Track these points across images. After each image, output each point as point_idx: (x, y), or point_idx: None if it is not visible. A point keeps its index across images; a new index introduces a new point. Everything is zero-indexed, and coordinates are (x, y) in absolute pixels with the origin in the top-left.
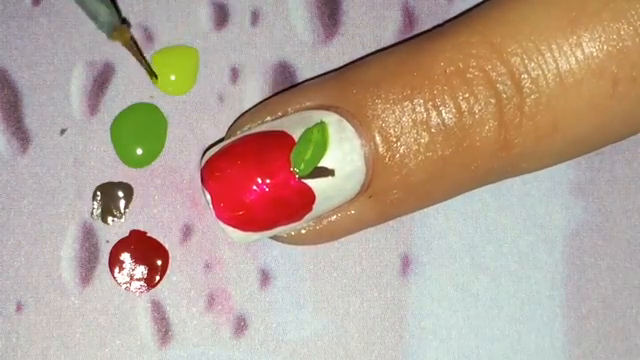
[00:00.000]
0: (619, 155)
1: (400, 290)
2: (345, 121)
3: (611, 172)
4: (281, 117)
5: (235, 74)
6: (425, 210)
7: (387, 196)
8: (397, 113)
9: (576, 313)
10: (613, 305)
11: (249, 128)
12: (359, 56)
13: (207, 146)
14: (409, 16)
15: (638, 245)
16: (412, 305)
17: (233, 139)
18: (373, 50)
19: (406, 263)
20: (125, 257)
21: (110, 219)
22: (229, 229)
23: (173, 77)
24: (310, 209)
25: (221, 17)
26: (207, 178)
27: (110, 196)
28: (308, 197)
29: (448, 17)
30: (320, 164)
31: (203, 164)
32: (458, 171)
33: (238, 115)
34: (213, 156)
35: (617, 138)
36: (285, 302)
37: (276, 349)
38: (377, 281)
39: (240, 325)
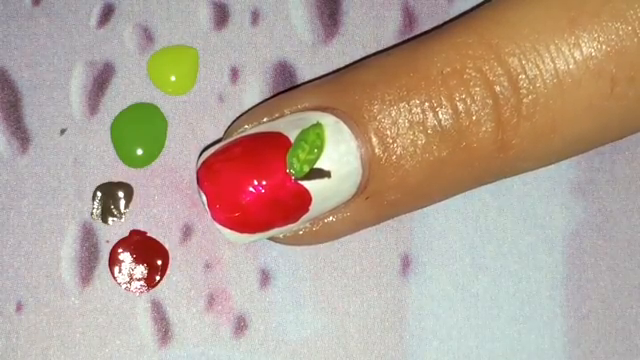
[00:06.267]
0: (619, 155)
1: (400, 290)
2: (342, 122)
3: (611, 172)
4: (278, 118)
5: (235, 74)
6: (425, 210)
7: (384, 197)
8: (394, 114)
9: (576, 313)
10: (613, 305)
11: (245, 129)
12: (359, 56)
13: (206, 146)
14: (409, 16)
15: (638, 245)
16: (412, 305)
17: (229, 140)
18: (373, 50)
19: (406, 263)
20: (125, 257)
21: (110, 219)
22: (225, 230)
23: (173, 77)
24: (306, 210)
25: (221, 17)
26: (203, 179)
27: (110, 196)
28: (304, 199)
29: (448, 17)
30: (316, 165)
31: (199, 165)
32: (455, 172)
33: (238, 115)
34: (209, 157)
35: (615, 137)
36: (285, 302)
37: (276, 349)
38: (377, 281)
39: (240, 325)
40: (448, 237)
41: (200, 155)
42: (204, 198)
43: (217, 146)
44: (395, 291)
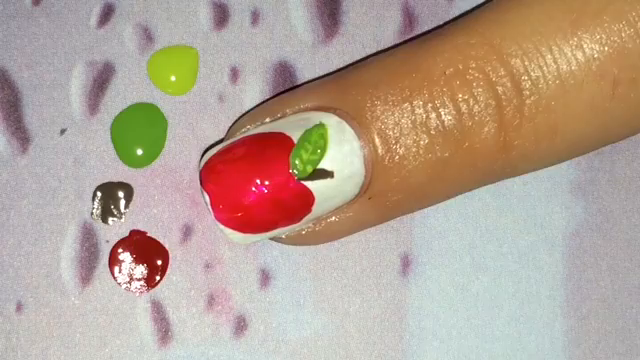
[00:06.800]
0: (619, 155)
1: (400, 290)
2: (344, 123)
3: (611, 172)
4: (280, 119)
5: (235, 74)
6: (425, 210)
7: (386, 197)
8: (396, 115)
9: (576, 313)
10: (613, 305)
11: (248, 129)
12: (359, 56)
13: (207, 146)
14: (409, 16)
15: (638, 245)
16: (412, 305)
17: (232, 140)
18: (373, 50)
19: (406, 263)
20: (125, 257)
21: (110, 219)
22: (228, 231)
23: (173, 77)
24: (309, 211)
25: (221, 17)
26: (206, 180)
27: (110, 196)
28: (307, 199)
29: (448, 17)
30: (319, 166)
31: (202, 166)
32: (457, 172)
33: (238, 115)
34: (212, 157)
35: (617, 139)
36: (285, 302)
37: (276, 349)
38: (377, 281)
39: (240, 325)
40: (448, 237)
41: (202, 156)
42: (207, 199)
43: (219, 146)
44: (395, 291)
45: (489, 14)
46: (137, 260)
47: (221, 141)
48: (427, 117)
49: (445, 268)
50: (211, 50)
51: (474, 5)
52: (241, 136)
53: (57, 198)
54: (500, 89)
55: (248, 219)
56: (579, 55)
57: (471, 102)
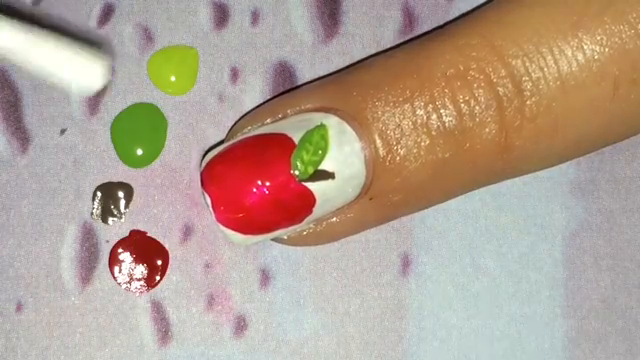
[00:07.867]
0: (619, 155)
1: (400, 290)
2: (345, 124)
3: (611, 172)
4: (281, 119)
5: (235, 74)
6: (425, 210)
7: (387, 198)
8: (397, 116)
9: (576, 313)
10: (613, 305)
11: (249, 130)
12: (359, 56)
13: (207, 146)
14: (409, 16)
15: (638, 245)
16: (412, 305)
17: (233, 141)
18: (373, 50)
19: (406, 263)
20: (125, 257)
21: (110, 219)
22: (229, 232)
23: (173, 77)
24: (310, 212)
25: (221, 17)
26: (207, 181)
27: (110, 196)
28: (308, 200)
29: (448, 17)
30: (320, 167)
31: (203, 167)
32: (458, 173)
33: (238, 115)
34: (213, 159)
35: (617, 139)
36: (285, 302)
37: (276, 349)
38: (377, 281)
39: (240, 325)
40: (448, 237)
41: (203, 157)
42: (208, 200)
43: (220, 147)
44: (395, 291)
45: (490, 15)
46: (137, 260)
47: (222, 142)
48: (428, 118)
49: (445, 268)
50: (211, 50)
51: (474, 5)
52: (242, 137)
53: (57, 198)
54: (501, 90)
55: (249, 220)
56: (580, 56)
57: (472, 103)
